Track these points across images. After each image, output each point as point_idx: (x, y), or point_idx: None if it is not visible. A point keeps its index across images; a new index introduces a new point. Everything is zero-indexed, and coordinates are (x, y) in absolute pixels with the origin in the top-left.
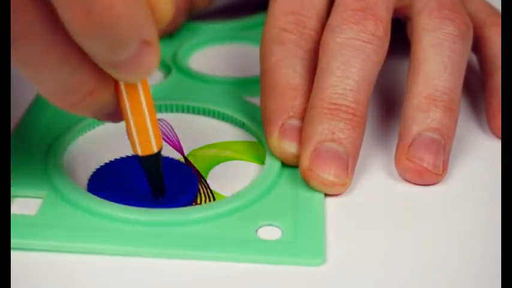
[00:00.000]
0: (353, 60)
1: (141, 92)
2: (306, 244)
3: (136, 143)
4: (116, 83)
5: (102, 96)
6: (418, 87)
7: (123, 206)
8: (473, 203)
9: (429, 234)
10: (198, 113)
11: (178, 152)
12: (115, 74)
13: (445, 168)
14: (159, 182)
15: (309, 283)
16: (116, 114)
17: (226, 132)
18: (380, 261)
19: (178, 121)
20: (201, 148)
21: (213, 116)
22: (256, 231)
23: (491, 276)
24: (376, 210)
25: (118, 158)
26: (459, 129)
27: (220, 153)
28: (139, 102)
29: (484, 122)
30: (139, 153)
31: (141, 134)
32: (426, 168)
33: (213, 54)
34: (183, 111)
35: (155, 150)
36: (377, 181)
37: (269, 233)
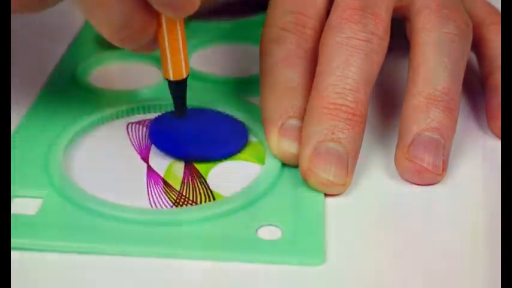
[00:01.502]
0: (352, 59)
1: (178, 26)
2: (305, 244)
3: (170, 69)
4: (158, 18)
5: (148, 32)
6: (417, 87)
7: (122, 206)
8: (473, 203)
9: (429, 234)
10: None
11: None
12: (166, 12)
13: (444, 168)
14: (182, 105)
15: (309, 283)
16: (149, 46)
17: None
18: (380, 261)
19: None
20: None
21: None
22: (256, 231)
23: (492, 276)
24: (375, 210)
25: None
26: (459, 129)
27: None
28: (176, 35)
29: (484, 122)
30: (171, 78)
31: (174, 62)
32: (426, 168)
33: (213, 54)
34: None
35: (184, 75)
36: (377, 181)
37: (269, 233)
